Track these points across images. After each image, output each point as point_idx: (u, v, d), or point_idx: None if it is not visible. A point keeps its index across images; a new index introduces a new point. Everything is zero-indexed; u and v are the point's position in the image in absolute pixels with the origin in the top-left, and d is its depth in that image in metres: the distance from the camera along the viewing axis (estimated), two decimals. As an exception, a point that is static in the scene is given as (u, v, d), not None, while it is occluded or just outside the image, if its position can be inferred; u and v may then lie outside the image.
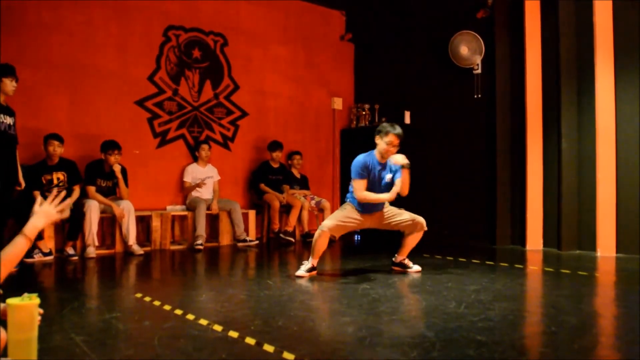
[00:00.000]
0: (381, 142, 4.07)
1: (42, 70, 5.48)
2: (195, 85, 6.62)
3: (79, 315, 2.91)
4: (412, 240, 4.28)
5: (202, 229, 5.85)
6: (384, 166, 4.16)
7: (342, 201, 7.46)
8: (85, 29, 5.77)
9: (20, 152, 4.44)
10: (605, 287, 4.04)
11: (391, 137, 4.01)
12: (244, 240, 6.15)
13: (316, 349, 2.34)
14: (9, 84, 4.10)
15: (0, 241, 4.14)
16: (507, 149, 6.22)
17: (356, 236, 7.31)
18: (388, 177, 4.16)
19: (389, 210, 4.28)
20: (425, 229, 4.25)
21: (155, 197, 6.20)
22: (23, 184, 4.34)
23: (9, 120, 4.11)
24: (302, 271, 4.10)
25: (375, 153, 4.15)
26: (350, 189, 4.18)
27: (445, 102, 6.89)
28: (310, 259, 4.14)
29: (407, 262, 4.35)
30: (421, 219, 4.24)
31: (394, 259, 4.40)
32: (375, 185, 4.13)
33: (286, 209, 6.70)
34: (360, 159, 4.11)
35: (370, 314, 2.96)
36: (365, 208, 4.17)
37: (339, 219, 4.14)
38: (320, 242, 4.10)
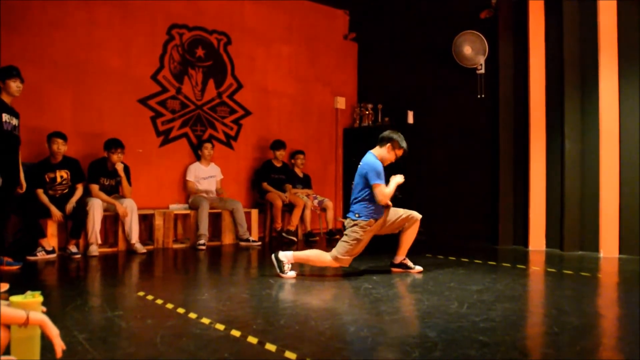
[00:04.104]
0: (392, 153, 4.16)
1: (46, 68, 5.49)
2: (199, 84, 6.63)
3: (81, 313, 2.92)
4: (409, 236, 4.28)
5: (204, 227, 5.86)
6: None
7: (346, 203, 7.43)
8: (89, 27, 5.78)
9: (24, 151, 4.45)
10: (608, 288, 4.04)
11: (401, 152, 4.18)
12: (247, 240, 6.16)
13: (318, 348, 2.34)
14: (13, 86, 4.11)
15: (2, 238, 4.16)
16: (510, 150, 6.21)
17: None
18: None
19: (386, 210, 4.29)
20: (420, 216, 4.27)
21: (158, 196, 6.21)
22: (24, 186, 4.35)
23: (14, 121, 4.12)
24: (289, 272, 4.06)
25: (377, 155, 4.16)
26: (358, 205, 4.08)
27: (448, 102, 6.88)
28: (291, 255, 4.10)
29: (408, 262, 4.34)
30: (413, 211, 4.27)
31: (393, 260, 4.37)
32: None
33: (289, 208, 6.70)
34: (378, 164, 4.06)
35: (372, 313, 2.96)
36: (381, 211, 4.14)
37: (356, 251, 4.09)
38: (321, 265, 4.16)
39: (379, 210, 4.13)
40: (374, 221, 4.09)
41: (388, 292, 3.56)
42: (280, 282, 3.88)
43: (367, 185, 4.04)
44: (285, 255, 4.09)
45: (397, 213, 4.25)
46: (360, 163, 4.18)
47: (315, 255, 4.15)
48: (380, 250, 4.93)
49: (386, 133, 4.22)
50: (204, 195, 6.19)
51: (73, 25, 5.67)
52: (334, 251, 4.10)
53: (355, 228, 4.07)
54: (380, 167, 4.06)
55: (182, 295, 3.54)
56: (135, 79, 6.10)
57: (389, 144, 4.15)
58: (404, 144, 4.17)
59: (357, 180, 4.15)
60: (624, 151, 5.31)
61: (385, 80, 7.72)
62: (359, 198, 4.09)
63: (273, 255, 4.13)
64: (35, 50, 5.42)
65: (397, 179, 4.11)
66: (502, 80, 6.22)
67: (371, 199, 4.06)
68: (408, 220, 4.24)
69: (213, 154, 6.43)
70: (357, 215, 4.08)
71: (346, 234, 4.12)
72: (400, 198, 6.90)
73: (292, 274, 4.06)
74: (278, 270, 4.06)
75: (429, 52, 7.10)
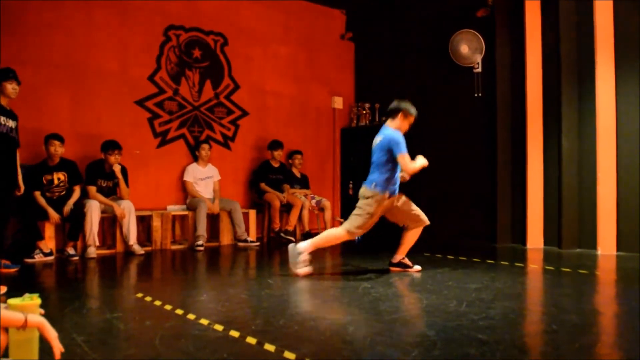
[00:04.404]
0: (405, 122, 4.17)
1: (43, 70, 5.48)
2: (196, 85, 6.62)
3: (80, 315, 2.91)
4: (412, 236, 4.27)
5: (202, 228, 5.85)
6: None
7: (344, 202, 7.44)
8: (86, 29, 5.77)
9: (21, 153, 4.44)
10: (606, 285, 4.04)
11: (412, 119, 4.20)
12: (245, 240, 6.15)
13: (317, 348, 2.34)
14: (9, 87, 4.10)
15: (0, 240, 4.14)
16: (507, 148, 6.22)
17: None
18: None
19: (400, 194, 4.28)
20: (428, 222, 4.27)
21: (156, 197, 6.20)
22: (22, 188, 4.34)
23: (11, 123, 4.11)
24: (302, 268, 4.07)
25: (394, 128, 4.15)
26: (377, 175, 4.07)
27: (445, 101, 6.88)
28: (309, 244, 4.08)
29: (407, 261, 4.34)
30: (424, 214, 4.28)
31: (392, 259, 4.36)
32: None
33: (287, 208, 6.70)
34: (399, 134, 4.06)
35: (371, 313, 2.96)
36: (397, 188, 4.14)
37: (368, 224, 4.09)
38: (337, 242, 4.16)
39: (396, 186, 4.12)
40: (389, 196, 4.08)
41: (387, 291, 3.56)
42: (279, 282, 3.88)
43: (390, 158, 4.03)
44: (305, 248, 4.07)
45: (411, 206, 4.24)
46: (379, 137, 4.15)
47: (327, 236, 4.15)
48: (379, 249, 4.93)
49: (394, 104, 4.23)
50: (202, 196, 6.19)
51: (70, 27, 5.66)
52: (347, 224, 4.12)
53: (370, 201, 4.05)
54: (401, 137, 4.05)
55: (180, 296, 3.53)
56: (133, 81, 6.09)
57: (400, 113, 4.16)
58: (413, 110, 4.19)
59: (377, 154, 4.12)
60: (621, 148, 5.33)
61: (382, 79, 7.72)
62: (379, 171, 4.07)
63: (294, 247, 4.10)
64: (33, 52, 5.41)
65: (423, 161, 4.05)
66: (499, 79, 6.23)
67: (391, 171, 4.04)
68: (416, 219, 4.23)
69: (210, 155, 6.42)
70: (374, 185, 4.05)
71: (359, 207, 4.10)
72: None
73: (307, 270, 4.06)
74: (294, 264, 4.06)
75: (425, 51, 7.10)
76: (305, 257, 4.08)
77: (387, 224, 4.34)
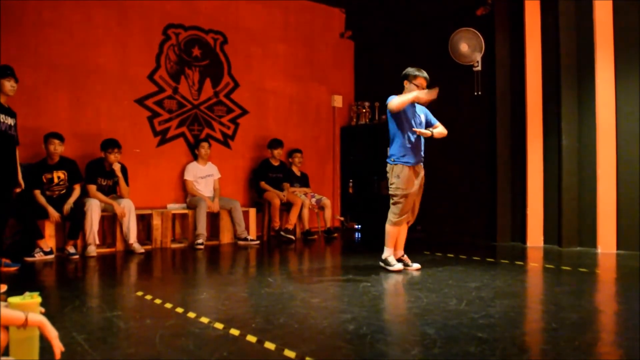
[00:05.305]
0: (412, 86, 4.20)
1: (42, 69, 5.47)
2: (195, 83, 6.62)
3: (80, 313, 2.92)
4: (404, 230, 4.36)
5: (202, 227, 5.85)
6: (414, 107, 4.26)
7: (344, 201, 7.45)
8: (85, 28, 5.76)
9: (21, 152, 4.44)
10: (606, 283, 4.05)
11: (420, 80, 4.21)
12: (245, 239, 6.15)
13: (317, 346, 2.34)
14: (7, 85, 4.09)
15: (0, 239, 4.14)
16: (507, 146, 6.21)
17: (357, 234, 7.31)
18: (422, 116, 4.35)
19: (422, 171, 4.31)
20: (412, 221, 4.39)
21: (156, 196, 6.20)
22: (23, 185, 4.34)
23: (9, 121, 4.10)
24: (396, 265, 4.18)
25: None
26: (392, 147, 4.16)
27: (445, 100, 6.81)
28: (388, 249, 4.21)
29: (406, 259, 4.34)
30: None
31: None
32: (412, 123, 4.21)
33: (287, 207, 6.69)
34: (393, 95, 4.16)
35: (371, 311, 2.96)
36: (414, 156, 4.16)
37: (407, 208, 4.14)
38: (395, 236, 4.22)
39: (413, 154, 4.16)
40: (409, 168, 4.12)
41: (387, 289, 3.56)
42: (279, 281, 3.88)
43: (397, 125, 4.13)
44: (388, 252, 4.21)
45: (419, 196, 4.29)
46: None
47: (387, 234, 4.22)
48: (379, 247, 4.93)
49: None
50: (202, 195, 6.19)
51: (69, 26, 5.66)
52: (390, 218, 4.18)
53: (393, 185, 4.12)
54: (395, 96, 4.13)
55: (180, 295, 3.54)
56: (132, 79, 6.09)
57: (405, 81, 4.25)
58: (418, 72, 4.22)
59: (389, 127, 4.23)
60: (621, 147, 5.33)
61: (382, 78, 7.70)
62: (394, 143, 4.17)
63: (382, 263, 4.26)
64: (32, 52, 5.40)
65: (421, 93, 4.03)
66: (498, 77, 6.22)
67: (403, 137, 4.12)
68: (413, 213, 4.31)
69: (210, 153, 6.42)
70: (393, 158, 4.14)
71: (391, 194, 4.18)
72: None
73: (399, 266, 4.19)
74: (388, 267, 4.20)
75: (425, 50, 7.09)
76: (393, 259, 4.21)
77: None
